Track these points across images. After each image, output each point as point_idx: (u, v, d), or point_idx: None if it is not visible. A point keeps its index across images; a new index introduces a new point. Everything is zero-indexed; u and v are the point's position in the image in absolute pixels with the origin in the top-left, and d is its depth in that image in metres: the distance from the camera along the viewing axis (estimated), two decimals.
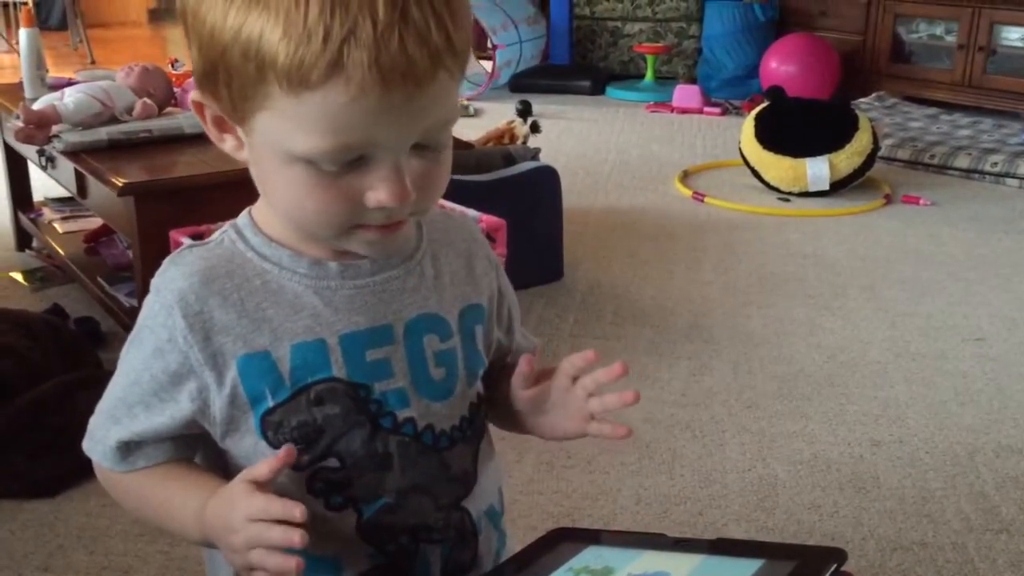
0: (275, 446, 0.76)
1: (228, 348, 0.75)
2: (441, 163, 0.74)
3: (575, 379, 0.83)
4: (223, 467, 0.80)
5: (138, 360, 0.78)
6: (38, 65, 2.49)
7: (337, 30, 0.64)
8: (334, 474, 0.78)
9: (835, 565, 0.73)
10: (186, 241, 1.72)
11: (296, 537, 0.68)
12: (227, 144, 0.76)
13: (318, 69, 0.64)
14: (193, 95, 0.75)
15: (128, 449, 0.80)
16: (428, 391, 0.80)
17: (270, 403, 0.76)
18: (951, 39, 4.57)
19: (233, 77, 0.68)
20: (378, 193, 0.70)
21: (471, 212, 1.94)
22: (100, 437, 0.81)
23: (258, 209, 0.80)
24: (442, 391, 0.81)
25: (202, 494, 0.76)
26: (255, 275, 0.77)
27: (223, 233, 0.80)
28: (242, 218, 0.81)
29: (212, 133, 0.76)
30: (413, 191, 0.71)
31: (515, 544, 0.91)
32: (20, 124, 2.08)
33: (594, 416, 0.82)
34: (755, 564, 0.76)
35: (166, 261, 0.79)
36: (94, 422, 0.82)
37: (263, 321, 0.76)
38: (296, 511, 0.68)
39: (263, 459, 0.74)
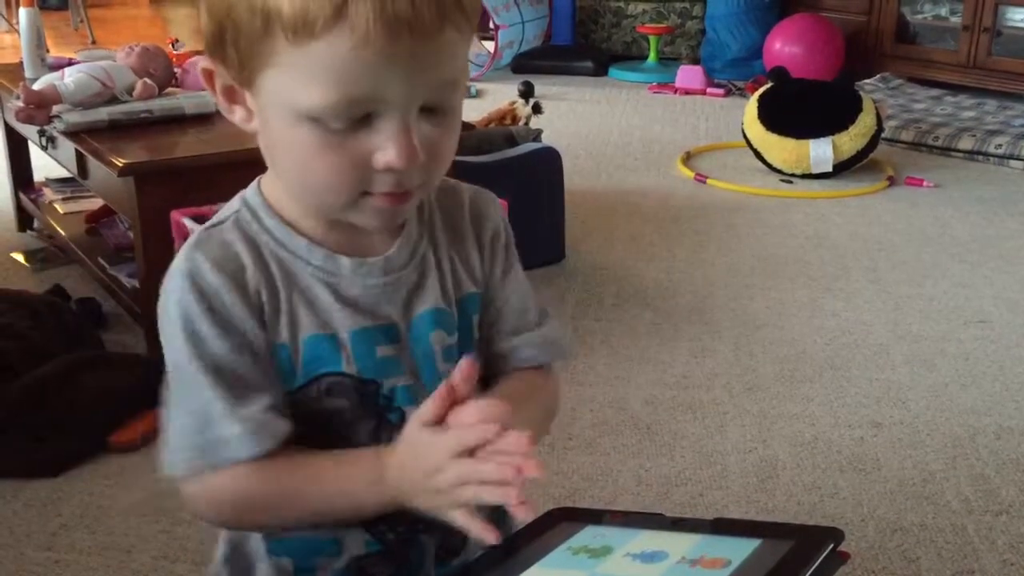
0: None
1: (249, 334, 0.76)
2: (449, 130, 0.74)
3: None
4: None
5: (192, 352, 0.75)
6: (38, 45, 2.48)
7: None
8: None
9: (832, 545, 0.73)
10: (186, 222, 1.72)
11: (529, 467, 0.68)
12: (236, 115, 0.76)
13: (323, 17, 0.65)
14: (203, 63, 0.76)
15: (262, 424, 0.75)
16: (436, 387, 0.79)
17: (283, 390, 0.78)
18: (956, 20, 4.54)
19: (240, 34, 0.69)
20: (387, 153, 0.70)
21: None
22: (217, 439, 0.75)
23: (268, 184, 0.80)
24: None
25: (357, 461, 0.76)
26: (273, 261, 0.78)
27: (236, 212, 0.80)
28: (253, 195, 0.81)
29: (222, 104, 0.77)
30: (422, 154, 0.71)
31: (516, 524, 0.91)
32: (20, 104, 2.07)
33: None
34: (753, 543, 0.76)
35: (188, 246, 0.77)
36: (184, 451, 0.76)
37: (281, 313, 0.77)
38: (490, 432, 0.69)
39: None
